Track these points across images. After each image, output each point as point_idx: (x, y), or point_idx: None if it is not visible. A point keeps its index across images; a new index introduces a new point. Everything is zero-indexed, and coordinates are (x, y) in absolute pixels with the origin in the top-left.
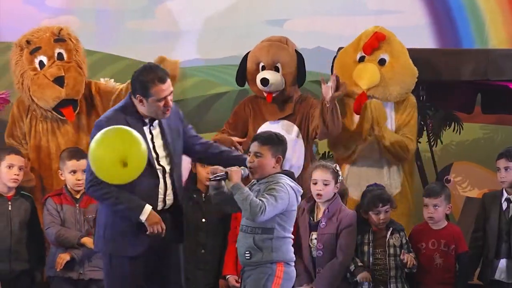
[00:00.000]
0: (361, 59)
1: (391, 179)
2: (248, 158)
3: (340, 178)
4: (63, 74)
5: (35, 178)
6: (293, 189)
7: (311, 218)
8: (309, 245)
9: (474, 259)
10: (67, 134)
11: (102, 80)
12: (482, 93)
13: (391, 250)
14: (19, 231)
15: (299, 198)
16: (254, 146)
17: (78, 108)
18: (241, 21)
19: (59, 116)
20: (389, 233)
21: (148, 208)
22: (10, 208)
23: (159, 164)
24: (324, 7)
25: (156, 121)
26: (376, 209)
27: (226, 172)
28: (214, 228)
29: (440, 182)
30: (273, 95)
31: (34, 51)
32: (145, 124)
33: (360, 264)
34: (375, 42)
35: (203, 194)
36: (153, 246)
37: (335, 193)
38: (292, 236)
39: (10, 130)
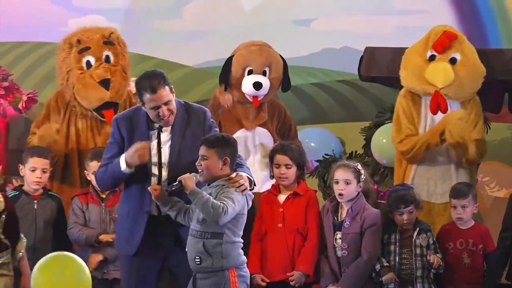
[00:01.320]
0: (431, 58)
1: (459, 179)
2: (196, 162)
3: (362, 177)
4: (110, 77)
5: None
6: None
7: (335, 218)
8: (334, 245)
9: (502, 258)
10: (105, 135)
11: (130, 80)
12: (510, 92)
13: (418, 250)
14: (44, 230)
15: (250, 203)
16: (202, 150)
17: (118, 111)
18: (267, 21)
19: (99, 117)
20: (415, 233)
21: (122, 158)
22: (35, 207)
23: (159, 171)
24: (352, 6)
25: (169, 127)
26: (399, 210)
27: (180, 181)
28: None
29: (466, 182)
30: (259, 99)
31: (83, 51)
32: (152, 128)
33: (386, 264)
34: (446, 41)
35: None
36: (153, 247)
37: (358, 192)
38: (242, 240)
39: (41, 121)
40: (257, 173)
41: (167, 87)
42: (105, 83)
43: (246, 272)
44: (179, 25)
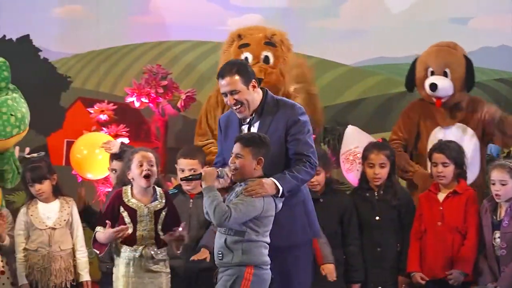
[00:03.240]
0: None
1: None
2: (230, 159)
3: None
4: (263, 78)
5: None
6: (271, 196)
7: (494, 217)
8: (493, 244)
9: None
10: None
11: None
12: None
13: None
14: (197, 229)
15: (279, 204)
16: (236, 147)
17: None
18: (425, 19)
19: None
20: None
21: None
22: (190, 206)
23: None
24: (510, 4)
25: (258, 121)
26: None
27: (201, 173)
28: (388, 226)
29: None
30: (442, 100)
31: (242, 47)
32: (242, 123)
33: None
34: None
35: (376, 193)
36: None
37: None
38: (267, 240)
39: (204, 118)
40: None
41: (237, 77)
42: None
43: (264, 274)
44: (336, 24)
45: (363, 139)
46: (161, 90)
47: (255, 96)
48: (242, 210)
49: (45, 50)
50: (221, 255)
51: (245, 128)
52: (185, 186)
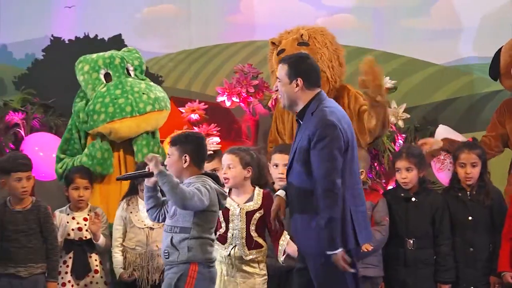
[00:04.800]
0: None
1: None
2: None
3: None
4: None
5: None
6: (215, 191)
7: None
8: None
9: None
10: None
11: (386, 80)
12: None
13: None
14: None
15: (223, 202)
16: (168, 149)
17: None
18: None
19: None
20: None
21: None
22: None
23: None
24: None
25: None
26: None
27: (149, 170)
28: (481, 225)
29: None
30: None
31: (280, 53)
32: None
33: None
34: None
35: (468, 193)
36: None
37: None
38: (212, 237)
39: (274, 124)
40: None
41: (286, 67)
42: None
43: (211, 272)
44: (426, 23)
45: (454, 139)
46: (252, 90)
47: (296, 94)
48: (200, 195)
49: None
50: (167, 254)
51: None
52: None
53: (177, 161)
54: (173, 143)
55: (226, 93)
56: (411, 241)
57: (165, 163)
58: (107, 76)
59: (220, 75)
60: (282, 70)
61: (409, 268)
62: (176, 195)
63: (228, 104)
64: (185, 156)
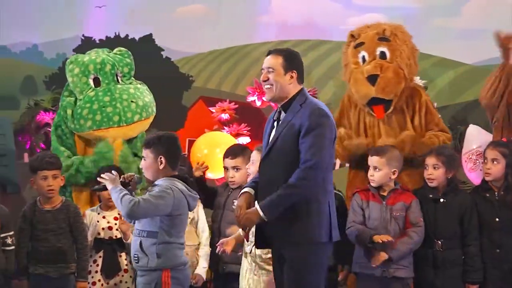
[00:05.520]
0: None
1: None
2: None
3: None
4: (378, 73)
5: None
6: (183, 194)
7: None
8: None
9: None
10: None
11: (417, 79)
12: None
13: None
14: None
15: (193, 204)
16: (143, 151)
17: (392, 108)
18: None
19: (371, 112)
20: None
21: None
22: None
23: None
24: None
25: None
26: None
27: (104, 185)
28: (508, 227)
29: None
30: None
31: (358, 46)
32: (274, 119)
33: None
34: None
35: (496, 193)
36: None
37: None
38: (181, 241)
39: (339, 120)
40: None
41: (281, 59)
42: (372, 79)
43: (184, 274)
44: (457, 22)
45: (486, 139)
46: None
47: (289, 86)
48: (152, 201)
49: (167, 49)
50: (136, 258)
51: (275, 124)
52: None
53: (152, 163)
54: (147, 145)
55: (256, 93)
56: (440, 242)
57: (141, 165)
58: (96, 80)
59: (250, 74)
60: (276, 61)
61: (438, 269)
62: (121, 207)
63: (258, 103)
64: (161, 158)
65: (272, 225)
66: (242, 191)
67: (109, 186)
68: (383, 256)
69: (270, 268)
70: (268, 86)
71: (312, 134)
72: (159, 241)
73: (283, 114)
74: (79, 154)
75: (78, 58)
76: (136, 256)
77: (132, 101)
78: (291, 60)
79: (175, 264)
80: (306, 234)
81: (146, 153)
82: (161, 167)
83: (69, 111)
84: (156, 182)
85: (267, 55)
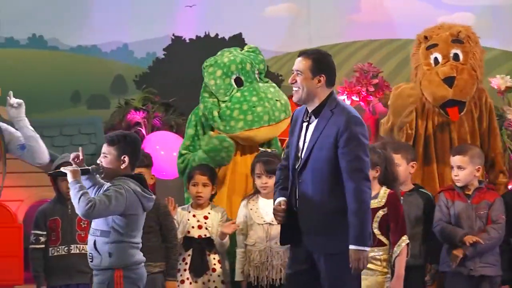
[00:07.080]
0: None
1: None
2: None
3: None
4: (455, 75)
5: None
6: (136, 194)
7: None
8: None
9: None
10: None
11: (497, 77)
12: None
13: None
14: (410, 228)
15: (147, 204)
16: (103, 147)
17: (465, 109)
18: None
19: (444, 114)
20: None
21: None
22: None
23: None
24: None
25: (315, 121)
26: None
27: (64, 171)
28: None
29: None
30: None
31: (430, 47)
32: (304, 120)
33: None
34: None
35: None
36: None
37: None
38: (135, 241)
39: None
40: None
41: (310, 62)
42: (449, 81)
43: (137, 274)
44: None
45: None
46: (372, 89)
47: (317, 90)
48: (106, 202)
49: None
50: (91, 257)
51: (304, 125)
52: None
53: (114, 161)
54: (111, 142)
55: (346, 92)
56: None
57: (100, 161)
58: (237, 80)
59: (340, 74)
60: (304, 64)
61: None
62: (77, 206)
63: (348, 103)
64: (124, 157)
65: (310, 237)
66: (280, 199)
67: (69, 179)
68: (459, 252)
69: (373, 266)
70: (296, 88)
71: (353, 144)
72: (111, 240)
73: (313, 118)
74: None
75: (217, 60)
76: (90, 255)
77: (276, 100)
78: (320, 63)
79: (127, 263)
80: (345, 244)
81: (109, 150)
82: (122, 166)
83: (215, 113)
84: (113, 182)
85: (298, 56)
